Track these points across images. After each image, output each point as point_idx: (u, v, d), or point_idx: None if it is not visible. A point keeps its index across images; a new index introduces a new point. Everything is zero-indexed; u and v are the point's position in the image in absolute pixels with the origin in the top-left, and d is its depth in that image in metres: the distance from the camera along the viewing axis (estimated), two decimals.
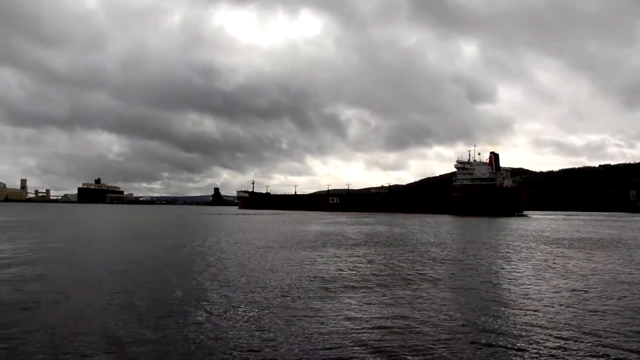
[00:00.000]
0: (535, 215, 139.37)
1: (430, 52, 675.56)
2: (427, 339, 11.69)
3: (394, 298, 16.56)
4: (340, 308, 14.91)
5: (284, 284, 18.74)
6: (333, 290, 17.81)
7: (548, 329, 12.62)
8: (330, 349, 10.87)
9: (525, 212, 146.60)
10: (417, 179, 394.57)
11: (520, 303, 16.00)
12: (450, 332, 12.36)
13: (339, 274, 21.71)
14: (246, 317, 13.63)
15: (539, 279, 20.97)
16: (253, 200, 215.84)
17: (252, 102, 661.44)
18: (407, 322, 13.23)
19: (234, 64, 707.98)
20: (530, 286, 19.22)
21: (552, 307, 15.37)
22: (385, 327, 12.69)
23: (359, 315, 13.99)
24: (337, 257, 28.30)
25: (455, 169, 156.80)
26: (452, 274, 22.41)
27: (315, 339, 11.59)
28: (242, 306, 14.94)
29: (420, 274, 22.07)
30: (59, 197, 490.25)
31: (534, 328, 12.73)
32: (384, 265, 24.60)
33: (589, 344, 11.33)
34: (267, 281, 19.43)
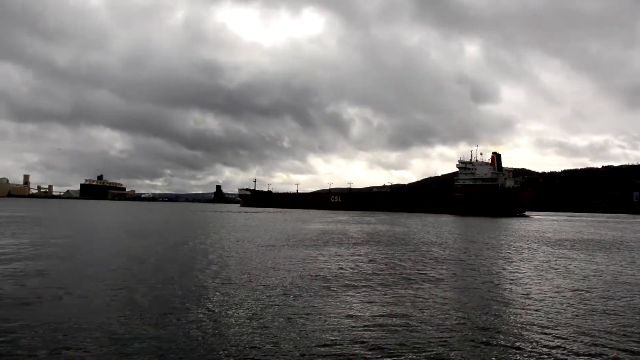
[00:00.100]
0: (537, 216, 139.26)
1: (433, 51, 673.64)
2: (429, 337, 11.70)
3: (395, 297, 16.57)
4: (342, 306, 14.92)
5: (286, 282, 18.76)
6: (335, 288, 17.84)
7: (549, 329, 12.61)
8: (332, 346, 10.88)
9: (527, 213, 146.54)
10: (420, 179, 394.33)
11: (522, 303, 15.99)
12: (452, 331, 12.36)
13: (341, 272, 21.73)
14: (248, 314, 13.65)
15: (540, 280, 20.96)
16: (255, 198, 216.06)
17: (254, 100, 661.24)
18: (409, 321, 13.24)
19: (237, 62, 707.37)
20: (532, 286, 19.22)
21: (554, 307, 15.36)
22: (387, 326, 12.70)
23: (361, 314, 14.00)
24: (339, 255, 28.31)
25: (457, 169, 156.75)
26: (453, 273, 22.41)
27: (317, 336, 11.60)
28: (244, 304, 14.96)
29: (421, 273, 22.08)
30: (62, 193, 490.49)
31: (535, 327, 12.73)
32: (386, 265, 24.61)
33: (590, 344, 11.33)
34: (269, 279, 19.46)
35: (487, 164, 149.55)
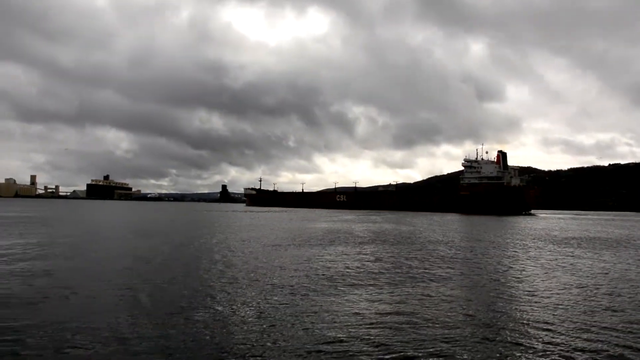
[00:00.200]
0: (542, 214, 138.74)
1: (438, 50, 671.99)
2: (436, 335, 11.68)
3: (402, 295, 16.56)
4: (349, 305, 14.92)
5: (293, 281, 18.79)
6: (342, 287, 17.84)
7: (556, 326, 12.57)
8: (340, 343, 10.90)
9: (532, 211, 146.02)
10: (425, 177, 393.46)
11: (529, 300, 15.93)
12: (459, 328, 12.33)
13: (347, 271, 21.73)
14: (255, 313, 13.68)
15: (547, 277, 20.87)
16: (260, 198, 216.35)
17: (259, 99, 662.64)
18: (416, 319, 13.22)
19: (242, 61, 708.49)
20: (539, 284, 19.14)
21: (561, 304, 15.29)
22: (394, 324, 12.69)
23: (368, 312, 14.00)
24: (346, 254, 28.32)
25: (462, 168, 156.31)
26: (460, 272, 22.36)
27: (324, 334, 11.61)
28: (251, 303, 15.00)
29: (428, 272, 22.05)
30: (68, 193, 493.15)
31: (542, 325, 12.69)
32: (392, 264, 24.60)
33: (597, 341, 11.28)
34: (276, 278, 19.50)
35: (492, 162, 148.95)
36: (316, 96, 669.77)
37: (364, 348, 10.73)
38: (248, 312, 13.74)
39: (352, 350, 10.54)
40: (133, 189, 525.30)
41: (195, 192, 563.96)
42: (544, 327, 12.63)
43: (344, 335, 11.62)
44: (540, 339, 11.56)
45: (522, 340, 11.43)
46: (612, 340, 11.55)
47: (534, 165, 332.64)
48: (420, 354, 10.38)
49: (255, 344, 10.82)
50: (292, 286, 17.77)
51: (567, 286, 18.92)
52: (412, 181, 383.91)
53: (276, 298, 15.71)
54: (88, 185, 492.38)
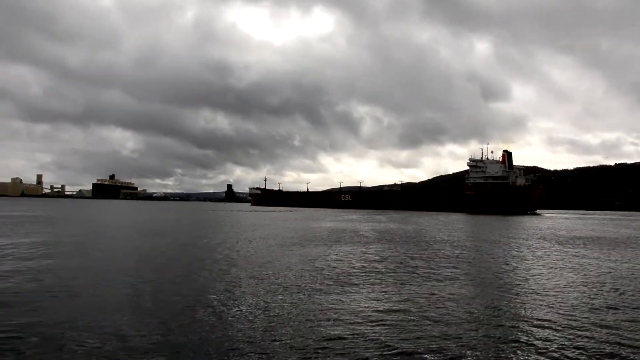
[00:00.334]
0: (548, 214, 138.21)
1: (443, 49, 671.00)
2: (442, 334, 11.68)
3: (408, 294, 16.55)
4: (355, 304, 14.94)
5: (298, 281, 18.85)
6: (348, 286, 17.86)
7: (563, 324, 12.57)
8: (345, 340, 10.93)
9: (538, 211, 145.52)
10: (430, 177, 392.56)
11: (536, 299, 15.89)
12: (465, 327, 12.33)
13: (353, 270, 21.75)
14: (261, 312, 13.72)
15: (554, 277, 20.81)
16: (265, 197, 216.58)
17: (264, 99, 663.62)
18: (422, 318, 13.22)
19: (247, 61, 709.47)
20: (546, 283, 19.08)
21: (568, 303, 15.26)
22: (400, 322, 12.71)
23: (373, 312, 13.99)
24: (351, 254, 28.34)
25: (468, 167, 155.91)
26: (466, 271, 22.34)
27: (330, 333, 11.63)
28: (258, 302, 15.04)
29: (434, 271, 22.04)
30: (74, 193, 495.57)
31: (549, 324, 12.67)
32: (398, 263, 24.61)
33: (604, 342, 11.26)
34: (282, 278, 19.55)
35: (497, 162, 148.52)
36: (321, 96, 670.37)
37: (370, 346, 10.75)
38: (254, 311, 13.78)
39: (358, 349, 10.57)
40: (139, 189, 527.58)
41: (200, 191, 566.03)
42: (552, 327, 12.60)
43: (350, 334, 11.65)
44: (547, 339, 11.54)
45: (530, 339, 11.42)
46: (618, 340, 11.52)
47: (539, 165, 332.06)
48: (426, 353, 10.40)
49: (261, 342, 10.86)
50: (298, 285, 17.81)
51: (574, 285, 18.86)
52: (417, 181, 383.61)
53: (281, 297, 15.76)
54: (94, 184, 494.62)
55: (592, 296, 16.81)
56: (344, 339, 11.26)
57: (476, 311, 14.34)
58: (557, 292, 17.52)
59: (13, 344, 10.38)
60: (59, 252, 26.40)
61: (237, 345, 10.66)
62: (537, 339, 11.46)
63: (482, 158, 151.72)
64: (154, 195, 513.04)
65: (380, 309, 14.41)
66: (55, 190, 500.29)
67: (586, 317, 13.67)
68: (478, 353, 10.44)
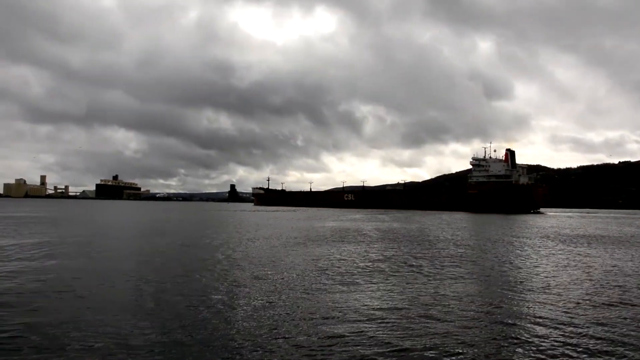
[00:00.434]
0: (551, 212, 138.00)
1: (446, 48, 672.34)
2: (446, 332, 11.66)
3: (412, 293, 16.53)
4: (358, 303, 14.92)
5: (302, 280, 18.84)
6: (352, 286, 17.85)
7: (567, 322, 12.54)
8: (349, 337, 10.91)
9: (541, 210, 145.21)
10: (433, 176, 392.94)
11: (540, 297, 15.86)
12: (469, 325, 12.31)
13: (356, 270, 21.74)
14: (265, 310, 13.72)
15: (559, 275, 20.76)
16: (268, 197, 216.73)
17: (267, 99, 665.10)
18: (427, 316, 13.20)
19: (249, 61, 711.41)
20: (550, 281, 19.03)
21: (573, 301, 15.22)
22: (404, 321, 12.70)
23: (377, 310, 13.98)
24: (355, 253, 28.32)
25: (471, 166, 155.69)
26: (470, 270, 22.29)
27: (334, 332, 11.62)
28: (262, 300, 15.04)
29: (438, 270, 22.00)
30: (78, 193, 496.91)
31: (553, 322, 12.65)
32: (402, 262, 24.58)
33: (608, 340, 11.23)
34: (285, 277, 19.55)
35: (500, 160, 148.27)
36: (324, 95, 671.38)
37: (374, 345, 10.73)
38: (257, 310, 13.77)
39: (362, 347, 10.56)
40: (142, 189, 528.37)
41: (203, 191, 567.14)
42: (556, 325, 12.57)
43: (354, 332, 11.62)
44: (552, 337, 11.50)
45: (534, 338, 11.39)
46: (623, 338, 11.49)
47: (542, 164, 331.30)
48: (430, 351, 10.38)
49: (265, 341, 10.85)
50: (301, 285, 17.80)
51: (578, 283, 18.80)
52: (420, 180, 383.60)
53: (285, 296, 15.76)
54: (97, 185, 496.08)
55: (596, 294, 16.75)
56: (348, 337, 11.25)
57: (480, 310, 14.30)
58: (561, 290, 17.47)
59: (16, 344, 10.38)
60: (63, 252, 26.44)
61: (241, 344, 10.65)
62: (541, 338, 11.42)
63: (485, 157, 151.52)
64: (157, 195, 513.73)
65: (384, 307, 14.39)
66: (58, 191, 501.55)
67: (590, 316, 13.63)
68: (482, 351, 10.40)
